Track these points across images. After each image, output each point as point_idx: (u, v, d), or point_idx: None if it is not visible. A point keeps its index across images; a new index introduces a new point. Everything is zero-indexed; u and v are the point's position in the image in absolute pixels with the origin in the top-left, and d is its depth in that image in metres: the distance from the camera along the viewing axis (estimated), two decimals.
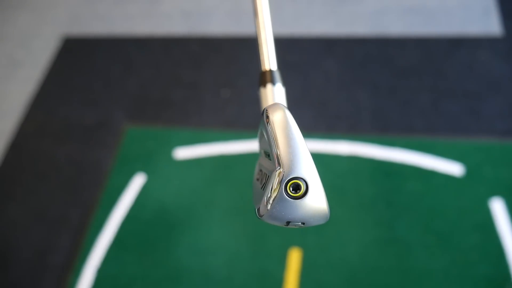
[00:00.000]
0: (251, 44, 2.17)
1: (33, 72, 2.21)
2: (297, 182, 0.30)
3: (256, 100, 1.97)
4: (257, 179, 0.37)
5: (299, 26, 2.17)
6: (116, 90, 2.09)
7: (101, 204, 1.71)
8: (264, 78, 0.45)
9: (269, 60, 0.45)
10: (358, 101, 1.86)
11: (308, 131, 1.79)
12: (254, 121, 1.83)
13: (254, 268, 1.50)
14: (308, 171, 0.30)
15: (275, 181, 0.30)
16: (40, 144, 1.95)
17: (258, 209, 0.31)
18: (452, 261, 1.43)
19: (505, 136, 1.67)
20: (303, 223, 0.31)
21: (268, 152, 0.34)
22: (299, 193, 0.30)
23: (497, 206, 1.51)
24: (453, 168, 1.61)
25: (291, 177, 0.29)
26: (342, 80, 1.94)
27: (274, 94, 0.45)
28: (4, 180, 1.87)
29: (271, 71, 0.45)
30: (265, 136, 0.33)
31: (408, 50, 1.98)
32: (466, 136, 1.69)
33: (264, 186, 0.32)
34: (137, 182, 1.75)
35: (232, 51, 2.13)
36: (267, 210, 0.30)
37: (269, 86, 0.45)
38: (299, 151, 0.30)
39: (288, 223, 0.31)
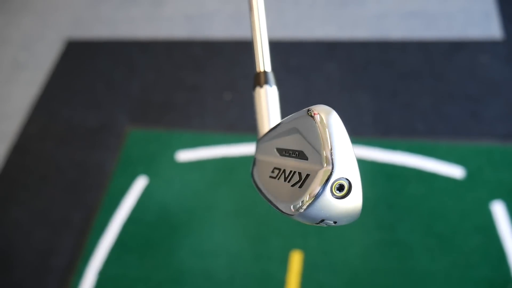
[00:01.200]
0: (251, 48, 2.18)
1: (36, 75, 2.22)
2: (342, 182, 0.30)
3: None
4: (272, 177, 0.37)
5: (300, 30, 2.18)
6: (119, 93, 2.10)
7: (104, 206, 1.72)
8: (259, 79, 0.46)
9: (263, 61, 0.46)
10: (360, 104, 1.86)
11: None
12: (254, 124, 1.84)
13: (255, 270, 1.50)
14: (353, 172, 0.30)
15: (320, 179, 0.30)
16: (43, 146, 1.96)
17: (293, 207, 0.31)
18: (453, 263, 1.43)
19: (506, 139, 1.68)
20: (335, 222, 0.31)
21: (297, 150, 0.34)
22: (343, 193, 0.30)
23: (498, 209, 1.51)
24: (454, 171, 1.61)
25: (339, 177, 0.30)
26: (343, 83, 1.95)
27: (268, 96, 0.46)
28: (7, 182, 1.88)
29: (265, 73, 0.46)
30: (305, 135, 0.33)
31: (409, 53, 1.99)
32: (467, 139, 1.70)
33: (301, 184, 0.32)
34: (139, 184, 1.76)
35: (234, 54, 2.14)
36: (306, 207, 0.30)
37: (263, 87, 0.46)
38: (348, 152, 0.31)
39: (321, 221, 0.31)
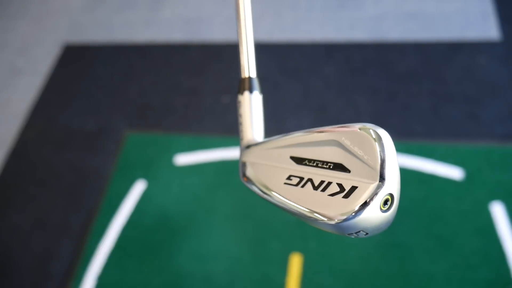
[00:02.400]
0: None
1: (34, 80, 2.22)
2: (388, 197, 0.32)
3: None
4: (290, 184, 0.38)
5: (298, 32, 2.18)
6: (117, 97, 2.10)
7: (102, 211, 1.71)
8: (243, 85, 0.46)
9: (248, 67, 0.47)
10: (358, 106, 1.86)
11: None
12: None
13: (255, 274, 1.49)
14: (398, 188, 0.32)
15: (373, 193, 0.31)
16: (41, 151, 1.96)
17: (336, 216, 0.32)
18: (453, 265, 1.43)
19: (505, 140, 1.68)
20: (367, 233, 0.33)
21: (331, 162, 0.35)
22: (386, 207, 0.32)
23: (497, 210, 1.51)
24: (453, 173, 1.61)
25: (389, 192, 0.32)
26: (341, 85, 1.95)
27: (252, 102, 0.46)
28: (5, 187, 1.88)
29: (250, 78, 0.47)
30: (351, 149, 0.34)
31: (407, 55, 1.99)
32: (465, 140, 1.69)
33: (346, 195, 0.33)
34: (138, 188, 1.75)
35: (231, 57, 2.14)
36: (353, 217, 0.32)
37: (247, 93, 0.47)
38: (397, 168, 0.32)
39: (357, 232, 0.33)
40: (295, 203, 0.37)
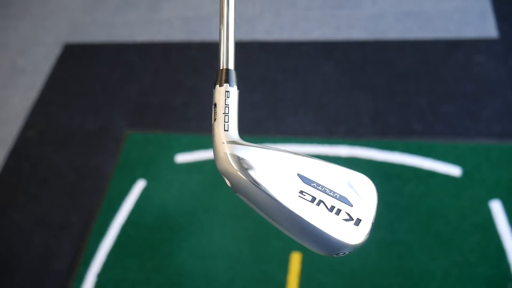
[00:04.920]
0: (249, 49, 2.19)
1: (35, 79, 2.23)
2: None
3: (253, 105, 1.97)
4: (304, 199, 0.41)
5: (297, 31, 2.18)
6: (117, 96, 2.10)
7: (103, 210, 1.72)
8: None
9: (226, 59, 0.47)
10: (357, 105, 1.87)
11: (308, 136, 1.80)
12: (253, 126, 1.85)
13: (255, 272, 1.50)
14: None
15: (370, 227, 0.40)
16: (41, 150, 1.96)
17: (349, 239, 0.39)
18: (453, 262, 1.43)
19: (503, 138, 1.68)
20: (349, 253, 0.40)
21: (338, 193, 0.42)
22: None
23: (496, 207, 1.52)
24: (452, 170, 1.62)
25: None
26: (341, 84, 1.96)
27: (229, 95, 0.46)
28: (6, 186, 1.88)
29: (227, 71, 0.46)
30: (357, 190, 0.42)
31: (406, 53, 1.99)
32: (464, 139, 1.70)
33: (356, 223, 0.40)
34: (138, 187, 1.76)
35: None
36: (359, 243, 0.39)
37: (223, 86, 0.47)
38: None
39: (344, 253, 0.40)
40: (315, 219, 0.39)
